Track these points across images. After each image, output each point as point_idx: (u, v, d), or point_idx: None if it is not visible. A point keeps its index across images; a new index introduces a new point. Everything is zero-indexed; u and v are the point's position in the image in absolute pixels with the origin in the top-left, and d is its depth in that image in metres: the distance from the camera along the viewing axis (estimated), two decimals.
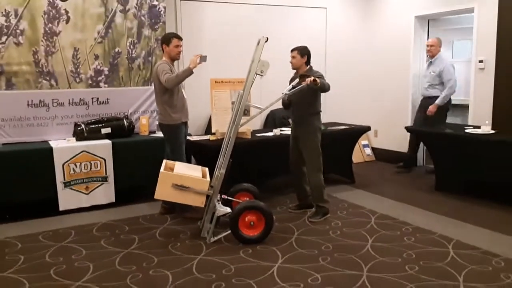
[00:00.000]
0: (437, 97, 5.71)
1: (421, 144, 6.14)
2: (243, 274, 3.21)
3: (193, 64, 4.08)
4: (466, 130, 4.96)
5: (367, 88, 7.14)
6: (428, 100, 5.82)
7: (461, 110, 6.25)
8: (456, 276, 3.12)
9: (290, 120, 4.68)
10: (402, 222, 4.23)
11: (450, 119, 6.12)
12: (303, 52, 4.35)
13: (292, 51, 4.38)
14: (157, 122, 5.25)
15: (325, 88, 4.14)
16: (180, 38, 4.35)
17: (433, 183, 5.38)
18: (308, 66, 4.39)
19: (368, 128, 5.81)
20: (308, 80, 3.92)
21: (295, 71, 4.44)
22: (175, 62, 4.50)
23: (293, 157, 4.50)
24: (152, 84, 4.59)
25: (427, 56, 5.98)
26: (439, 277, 3.10)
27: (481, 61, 5.53)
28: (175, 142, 4.35)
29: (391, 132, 6.85)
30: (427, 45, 5.81)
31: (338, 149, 5.49)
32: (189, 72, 4.09)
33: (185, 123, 4.46)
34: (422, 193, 5.24)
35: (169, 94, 4.25)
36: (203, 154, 4.83)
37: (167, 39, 4.31)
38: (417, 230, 4.03)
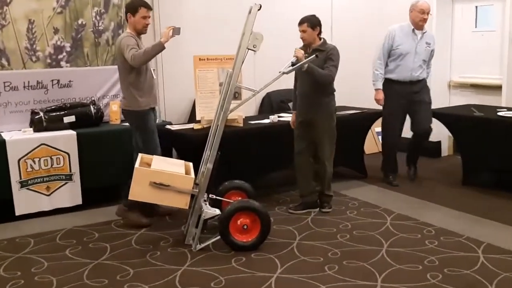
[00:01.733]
0: (424, 80, 5.42)
1: (446, 130, 6.16)
2: (235, 286, 3.25)
3: (164, 38, 4.06)
4: (499, 113, 5.01)
5: None
6: (417, 85, 5.35)
7: (491, 92, 6.27)
8: (486, 285, 3.17)
9: (291, 104, 4.73)
10: (423, 223, 4.28)
11: (479, 103, 6.15)
12: (314, 22, 4.38)
13: (300, 24, 4.39)
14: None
15: (317, 75, 4.24)
16: (149, 8, 4.29)
17: (460, 177, 5.44)
18: (322, 40, 4.45)
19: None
20: (297, 53, 4.13)
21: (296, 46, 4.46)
22: (154, 34, 4.50)
23: (300, 146, 4.56)
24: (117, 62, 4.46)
25: (414, 29, 5.28)
26: (467, 287, 3.15)
27: None
28: (146, 131, 4.34)
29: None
30: (425, 12, 5.18)
31: (347, 137, 5.49)
32: (160, 47, 4.07)
33: (153, 109, 4.47)
34: (447, 189, 5.29)
35: (135, 74, 4.22)
36: (186, 146, 4.85)
37: (133, 8, 4.23)
38: (441, 232, 4.07)
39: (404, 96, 5.28)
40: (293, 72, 4.42)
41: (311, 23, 4.36)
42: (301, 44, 4.47)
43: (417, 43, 5.25)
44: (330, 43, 4.51)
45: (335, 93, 4.56)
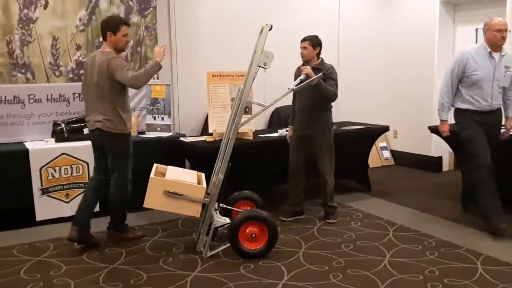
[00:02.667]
0: (500, 111, 4.53)
1: (446, 146, 6.13)
2: None
3: (160, 57, 3.90)
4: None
5: (385, 82, 7.17)
6: (496, 114, 4.48)
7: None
8: None
9: (289, 118, 4.75)
10: (424, 235, 4.26)
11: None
12: (316, 42, 4.44)
13: (302, 41, 4.46)
14: (146, 121, 5.32)
15: (325, 91, 4.28)
16: (129, 25, 4.02)
17: (460, 191, 5.39)
18: (320, 59, 4.50)
19: (386, 128, 5.84)
20: (306, 70, 4.14)
21: (299, 65, 4.52)
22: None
23: (296, 159, 4.61)
24: (95, 82, 3.89)
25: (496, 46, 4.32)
26: None
27: None
28: (126, 157, 4.05)
29: (412, 132, 6.88)
30: (503, 30, 4.27)
31: (352, 152, 5.52)
32: (159, 67, 3.93)
33: None
34: (448, 202, 5.26)
35: (122, 95, 3.95)
36: (198, 157, 4.87)
37: (114, 26, 3.89)
38: (441, 243, 4.05)
39: (482, 125, 4.38)
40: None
41: (313, 42, 4.43)
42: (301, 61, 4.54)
43: (495, 67, 4.33)
44: (327, 62, 4.55)
45: (332, 109, 4.60)
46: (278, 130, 5.29)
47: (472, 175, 4.41)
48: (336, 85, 4.44)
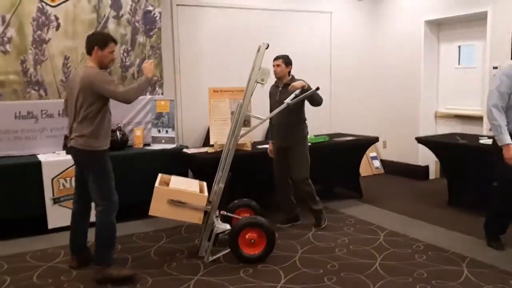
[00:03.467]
0: None
1: (433, 155, 6.14)
2: None
3: (151, 73, 3.63)
4: (481, 141, 4.99)
5: (375, 96, 7.19)
6: None
7: (473, 121, 6.26)
8: None
9: (268, 133, 4.76)
10: (413, 239, 4.25)
11: (462, 131, 6.15)
12: (288, 61, 4.52)
13: (276, 59, 4.50)
14: (152, 134, 5.32)
15: (317, 98, 4.31)
16: (116, 43, 3.67)
17: (446, 198, 5.40)
18: (291, 76, 4.55)
19: (376, 139, 5.84)
20: (299, 84, 4.17)
21: (272, 83, 4.58)
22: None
23: (279, 170, 4.63)
24: (76, 98, 3.44)
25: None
26: None
27: (495, 68, 5.58)
28: (109, 172, 3.57)
29: (401, 143, 6.88)
30: None
31: (344, 161, 5.53)
32: (149, 82, 3.71)
33: None
34: (435, 208, 5.25)
35: (103, 112, 3.50)
36: (200, 167, 4.86)
37: (102, 41, 3.51)
38: (429, 247, 4.04)
39: None
40: (268, 105, 4.59)
41: (286, 60, 4.48)
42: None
43: None
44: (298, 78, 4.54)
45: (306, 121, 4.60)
46: None
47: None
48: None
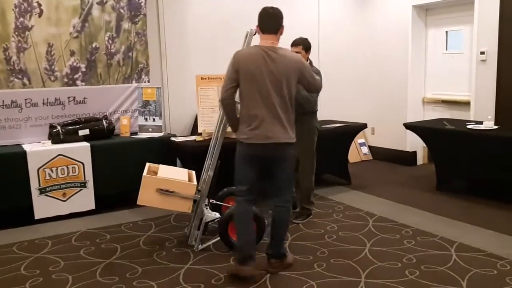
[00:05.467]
0: None
1: (421, 141, 6.18)
2: (234, 283, 3.23)
3: None
4: (468, 126, 5.03)
5: (363, 83, 7.19)
6: None
7: (460, 107, 6.30)
8: (459, 280, 3.17)
9: None
10: (402, 225, 4.28)
11: (450, 117, 6.19)
12: (308, 45, 4.28)
13: (295, 45, 4.24)
14: (138, 123, 5.28)
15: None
16: None
17: (434, 183, 5.44)
18: (309, 61, 4.35)
19: (364, 126, 5.85)
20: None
21: None
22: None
23: None
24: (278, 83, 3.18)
25: None
26: (441, 282, 3.15)
27: (482, 53, 5.60)
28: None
29: (389, 129, 6.91)
30: None
31: (333, 148, 5.53)
32: None
33: None
34: (423, 194, 5.29)
35: None
36: (189, 156, 4.83)
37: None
38: (418, 232, 4.07)
39: None
40: None
41: (305, 46, 4.26)
42: None
43: None
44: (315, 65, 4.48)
45: (317, 112, 4.42)
46: None
47: None
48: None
